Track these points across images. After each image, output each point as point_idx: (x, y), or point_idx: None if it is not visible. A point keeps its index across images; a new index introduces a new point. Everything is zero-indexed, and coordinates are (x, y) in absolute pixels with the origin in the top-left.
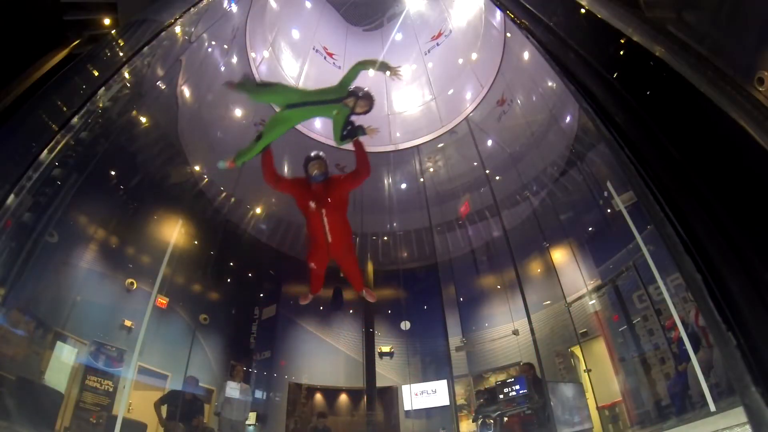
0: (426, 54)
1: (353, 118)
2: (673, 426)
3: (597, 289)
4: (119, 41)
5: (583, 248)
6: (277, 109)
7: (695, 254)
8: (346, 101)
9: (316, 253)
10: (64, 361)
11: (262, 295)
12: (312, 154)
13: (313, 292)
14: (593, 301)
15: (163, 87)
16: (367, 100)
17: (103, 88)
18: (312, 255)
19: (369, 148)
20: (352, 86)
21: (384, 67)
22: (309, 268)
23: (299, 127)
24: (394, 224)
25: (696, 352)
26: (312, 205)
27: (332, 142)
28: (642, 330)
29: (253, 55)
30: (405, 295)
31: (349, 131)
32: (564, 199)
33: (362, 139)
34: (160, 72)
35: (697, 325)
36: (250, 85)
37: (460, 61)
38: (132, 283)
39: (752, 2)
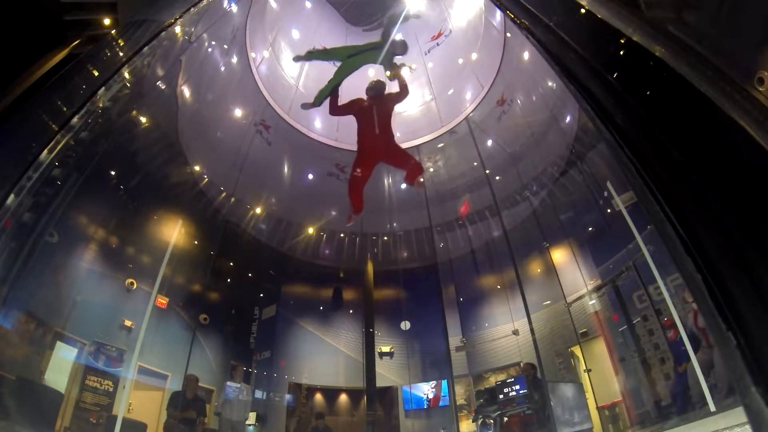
0: (426, 54)
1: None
2: (673, 426)
3: (597, 289)
4: (119, 41)
5: (583, 248)
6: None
7: (695, 254)
8: (388, 48)
9: (365, 155)
10: (64, 361)
11: (262, 295)
12: (374, 82)
13: (357, 211)
14: (593, 301)
15: (163, 87)
16: (402, 46)
17: (103, 88)
18: (358, 162)
19: None
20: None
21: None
22: (353, 178)
23: (299, 126)
24: (394, 224)
25: (696, 352)
26: (365, 102)
27: (331, 142)
28: (642, 330)
29: (253, 55)
30: (405, 295)
31: (391, 65)
32: (564, 199)
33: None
34: (160, 72)
35: (696, 327)
36: (316, 53)
37: (460, 61)
38: (132, 283)
39: (752, 2)
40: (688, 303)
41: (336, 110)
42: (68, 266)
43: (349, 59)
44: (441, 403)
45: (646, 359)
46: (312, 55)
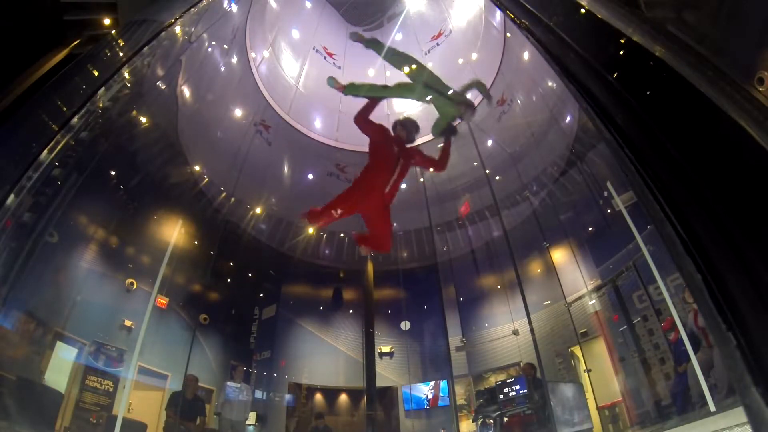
0: (426, 54)
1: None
2: (674, 426)
3: (597, 289)
4: (119, 41)
5: (583, 248)
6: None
7: (695, 254)
8: (458, 102)
9: (358, 199)
10: (64, 361)
11: (262, 295)
12: (410, 121)
13: (311, 221)
14: (593, 301)
15: (163, 87)
16: (471, 112)
17: (103, 88)
18: (345, 199)
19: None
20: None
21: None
22: (330, 210)
23: (299, 126)
24: (394, 224)
25: (696, 352)
26: (396, 149)
27: (331, 142)
28: (642, 330)
29: (253, 55)
30: (405, 295)
31: (448, 129)
32: (564, 199)
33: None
34: (160, 72)
35: (696, 327)
36: (394, 54)
37: (460, 61)
38: (132, 283)
39: (752, 2)
40: (688, 303)
41: (361, 121)
42: (68, 266)
43: (425, 88)
44: (440, 403)
45: (646, 359)
46: (374, 46)
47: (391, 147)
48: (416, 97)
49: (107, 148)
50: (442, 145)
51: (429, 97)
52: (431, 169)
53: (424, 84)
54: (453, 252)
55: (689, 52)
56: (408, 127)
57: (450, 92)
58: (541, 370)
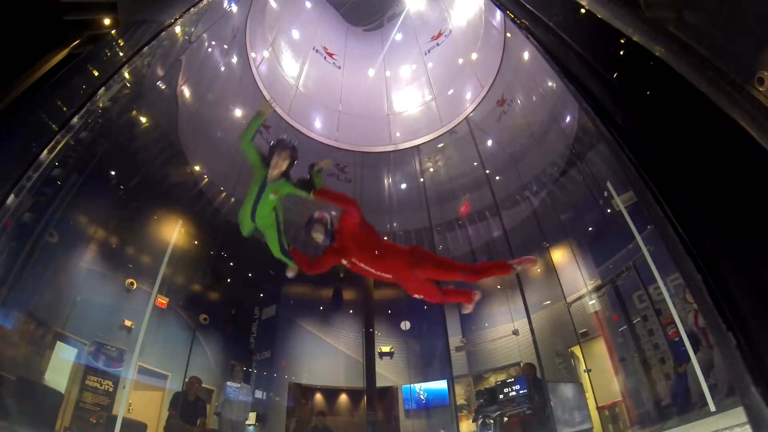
0: (426, 54)
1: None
2: (674, 426)
3: (597, 289)
4: (119, 41)
5: (583, 248)
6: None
7: (695, 254)
8: (270, 176)
9: (406, 287)
10: (64, 361)
11: (262, 295)
12: (309, 217)
13: (308, 272)
14: (593, 301)
15: (163, 87)
16: (280, 152)
17: (103, 88)
18: (408, 290)
19: (370, 148)
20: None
21: (259, 119)
22: (333, 256)
23: (299, 126)
24: (394, 224)
25: (696, 352)
26: (345, 262)
27: (331, 142)
28: (642, 330)
29: (253, 55)
30: (405, 295)
31: (308, 183)
32: (564, 199)
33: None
34: (160, 72)
35: (696, 327)
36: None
37: (460, 61)
38: (132, 283)
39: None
40: (688, 303)
41: (312, 270)
42: (68, 266)
43: (255, 222)
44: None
45: (646, 359)
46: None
47: (339, 259)
48: (266, 197)
49: (107, 148)
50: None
51: (272, 196)
52: (355, 213)
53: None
54: (453, 252)
55: (689, 52)
56: (316, 225)
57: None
58: (541, 370)
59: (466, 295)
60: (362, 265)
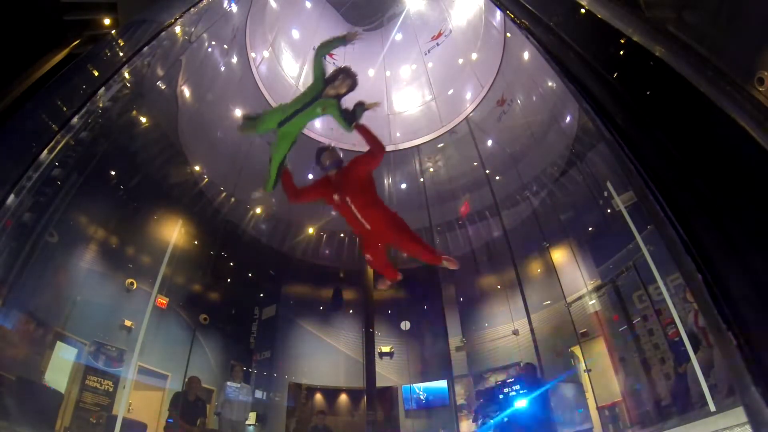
0: (426, 54)
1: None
2: (674, 426)
3: (597, 289)
4: (119, 41)
5: (583, 248)
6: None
7: (695, 254)
8: (326, 92)
9: (367, 244)
10: (64, 361)
11: (262, 295)
12: (321, 147)
13: (390, 279)
14: (593, 301)
15: (163, 87)
16: (344, 77)
17: (103, 88)
18: (365, 247)
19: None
20: (327, 73)
21: (344, 41)
22: (366, 260)
23: None
24: None
25: (696, 352)
26: (336, 197)
27: (331, 142)
28: (642, 330)
29: (253, 55)
30: (405, 295)
31: (349, 116)
32: (564, 199)
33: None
34: (160, 72)
35: (696, 326)
36: (248, 125)
37: (460, 61)
38: (132, 283)
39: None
40: (688, 303)
41: (293, 196)
42: (68, 266)
43: (281, 127)
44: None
45: (646, 359)
46: (247, 128)
47: (331, 193)
48: (314, 109)
49: (107, 148)
50: (358, 132)
51: (320, 109)
52: (377, 160)
53: (291, 117)
54: (453, 252)
55: (689, 52)
56: (328, 155)
57: (309, 94)
58: (541, 370)
59: (435, 256)
60: (352, 206)
